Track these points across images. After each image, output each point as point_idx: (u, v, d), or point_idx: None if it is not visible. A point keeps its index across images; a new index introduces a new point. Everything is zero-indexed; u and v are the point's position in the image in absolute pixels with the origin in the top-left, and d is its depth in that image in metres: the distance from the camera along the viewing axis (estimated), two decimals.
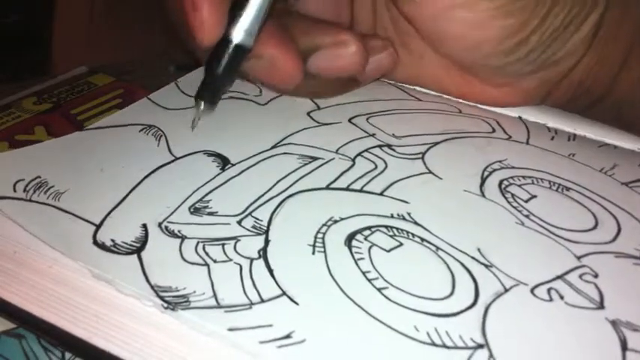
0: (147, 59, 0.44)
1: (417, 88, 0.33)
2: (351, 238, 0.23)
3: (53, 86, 0.38)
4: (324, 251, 0.22)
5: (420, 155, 0.28)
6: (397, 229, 0.23)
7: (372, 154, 0.28)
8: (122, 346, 0.20)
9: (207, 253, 0.22)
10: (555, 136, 0.30)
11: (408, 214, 0.24)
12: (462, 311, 0.20)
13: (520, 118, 0.31)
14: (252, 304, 0.20)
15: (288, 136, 0.29)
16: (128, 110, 0.31)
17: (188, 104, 0.31)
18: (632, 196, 0.26)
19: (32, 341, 0.21)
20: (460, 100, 0.32)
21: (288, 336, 0.19)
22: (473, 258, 0.22)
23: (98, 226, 0.23)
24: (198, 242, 0.22)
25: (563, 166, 0.27)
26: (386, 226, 0.23)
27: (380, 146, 0.28)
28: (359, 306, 0.20)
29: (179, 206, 0.24)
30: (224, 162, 0.27)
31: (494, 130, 0.30)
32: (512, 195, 0.25)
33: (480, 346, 0.19)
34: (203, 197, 0.25)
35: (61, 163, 0.27)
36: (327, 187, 0.25)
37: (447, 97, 0.33)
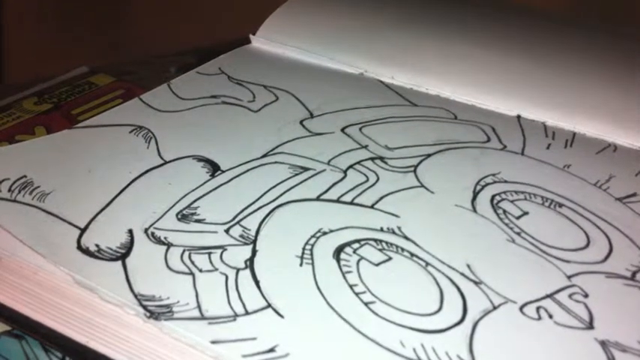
0: (147, 60, 0.44)
1: (415, 88, 0.33)
2: (339, 250, 0.23)
3: (53, 86, 0.38)
4: (312, 263, 0.22)
5: (412, 168, 0.27)
6: (386, 242, 0.23)
7: (363, 166, 0.27)
8: (114, 349, 0.20)
9: (192, 262, 0.22)
10: (552, 142, 0.30)
11: (398, 228, 0.24)
12: (449, 328, 0.20)
13: (518, 117, 0.31)
14: (236, 315, 0.20)
15: (280, 145, 0.28)
16: (119, 110, 0.31)
17: (180, 107, 0.31)
18: (626, 212, 0.26)
19: (32, 341, 0.21)
20: (457, 100, 0.32)
21: (271, 350, 0.19)
22: (462, 274, 0.22)
23: (83, 230, 0.23)
24: (184, 250, 0.22)
25: (558, 180, 0.27)
26: (375, 240, 0.23)
27: (372, 159, 0.28)
28: (345, 320, 0.20)
29: (166, 212, 0.24)
30: (214, 168, 0.26)
31: (489, 139, 0.30)
32: (504, 211, 0.25)
33: None
34: (191, 204, 0.24)
35: (48, 162, 0.26)
36: (318, 199, 0.25)
37: (444, 98, 0.32)
